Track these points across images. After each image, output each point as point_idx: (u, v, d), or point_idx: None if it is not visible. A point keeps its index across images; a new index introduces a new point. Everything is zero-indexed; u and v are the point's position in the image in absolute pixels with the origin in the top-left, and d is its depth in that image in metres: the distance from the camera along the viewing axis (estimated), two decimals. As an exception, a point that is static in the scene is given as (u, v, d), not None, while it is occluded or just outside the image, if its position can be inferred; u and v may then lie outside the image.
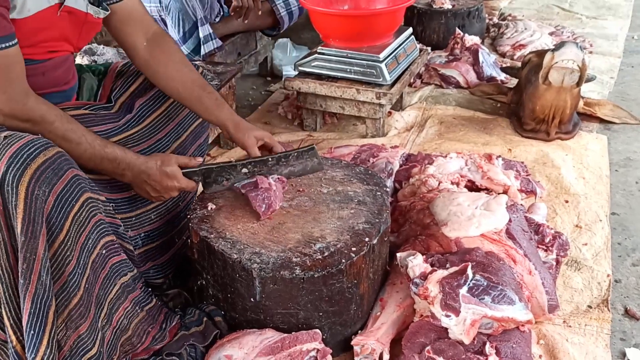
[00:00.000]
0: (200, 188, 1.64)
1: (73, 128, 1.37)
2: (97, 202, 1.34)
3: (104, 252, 1.35)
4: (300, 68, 2.58)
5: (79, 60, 2.36)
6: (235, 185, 1.61)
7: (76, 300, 1.24)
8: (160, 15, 2.62)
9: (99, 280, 1.33)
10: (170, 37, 1.73)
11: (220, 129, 1.71)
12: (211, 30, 2.67)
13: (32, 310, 1.16)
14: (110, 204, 1.48)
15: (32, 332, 1.16)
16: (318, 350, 1.43)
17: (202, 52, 2.64)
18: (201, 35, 2.62)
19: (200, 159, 1.62)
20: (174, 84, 1.65)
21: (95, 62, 2.34)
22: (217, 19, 2.87)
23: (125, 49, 1.68)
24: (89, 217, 1.29)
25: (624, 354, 1.56)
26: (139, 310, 1.45)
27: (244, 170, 1.59)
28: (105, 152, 1.42)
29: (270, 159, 1.60)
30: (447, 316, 1.44)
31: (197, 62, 2.25)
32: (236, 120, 1.68)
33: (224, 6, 2.93)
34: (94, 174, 1.45)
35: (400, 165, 2.14)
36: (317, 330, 1.47)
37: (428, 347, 1.43)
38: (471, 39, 3.17)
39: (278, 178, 1.61)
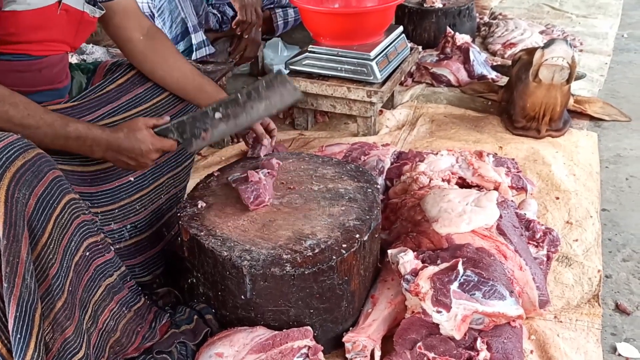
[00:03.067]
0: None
1: (30, 113, 1.35)
2: (80, 202, 1.33)
3: (87, 254, 1.33)
4: (291, 67, 2.58)
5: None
6: (228, 178, 1.61)
7: (60, 303, 1.23)
8: (151, 11, 2.60)
9: (82, 283, 1.32)
10: (163, 32, 1.77)
11: None
12: (204, 37, 2.65)
13: (18, 314, 1.13)
14: (85, 201, 1.46)
15: (18, 336, 1.14)
16: (309, 347, 1.43)
17: (194, 57, 2.63)
18: (195, 41, 2.60)
19: (168, 117, 1.58)
20: (174, 74, 1.69)
21: (85, 60, 2.33)
22: (226, 27, 2.84)
23: (121, 45, 1.69)
24: (71, 219, 1.28)
25: (615, 349, 1.57)
26: (126, 311, 1.44)
27: (217, 115, 1.50)
28: (67, 131, 1.39)
29: (239, 96, 1.51)
30: (438, 312, 1.43)
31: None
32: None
33: (228, 11, 2.90)
34: (72, 166, 1.44)
35: (392, 163, 2.14)
36: (308, 328, 1.46)
37: (419, 343, 1.43)
38: (462, 38, 3.17)
39: (268, 172, 1.61)
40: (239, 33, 2.74)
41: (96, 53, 2.36)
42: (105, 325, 1.38)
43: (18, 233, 1.13)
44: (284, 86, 1.54)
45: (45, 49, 1.47)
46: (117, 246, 1.55)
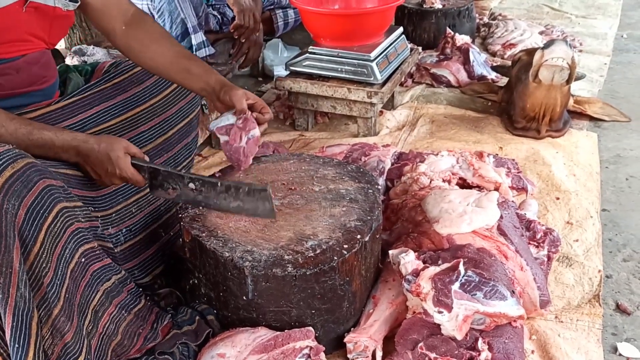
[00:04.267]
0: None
1: None
2: (74, 210, 1.31)
3: (83, 260, 1.32)
4: (291, 68, 2.58)
5: (68, 61, 2.35)
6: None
7: (57, 310, 1.22)
8: (150, 12, 2.61)
9: (79, 289, 1.31)
10: (148, 16, 1.69)
11: (208, 98, 1.65)
12: (204, 38, 2.66)
13: (15, 324, 1.13)
14: (89, 206, 1.45)
15: (16, 345, 1.13)
16: (311, 347, 1.43)
17: None
18: (195, 42, 2.60)
19: (147, 158, 1.53)
20: (159, 59, 1.62)
21: (85, 62, 2.33)
22: (226, 28, 2.83)
23: (105, 35, 1.66)
24: (64, 227, 1.26)
25: (616, 349, 1.57)
26: (125, 314, 1.43)
27: (191, 185, 1.49)
28: (30, 139, 1.35)
29: (219, 184, 1.49)
30: (440, 312, 1.44)
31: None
32: (226, 82, 1.63)
33: (228, 12, 2.89)
34: (74, 170, 1.43)
35: (392, 164, 2.14)
36: (310, 328, 1.46)
37: (421, 344, 1.43)
38: (462, 39, 3.18)
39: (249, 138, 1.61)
40: (236, 37, 2.74)
41: (97, 54, 2.36)
42: (105, 329, 1.38)
43: (9, 244, 1.13)
44: (263, 203, 1.48)
45: (17, 50, 1.43)
46: (114, 250, 1.54)
